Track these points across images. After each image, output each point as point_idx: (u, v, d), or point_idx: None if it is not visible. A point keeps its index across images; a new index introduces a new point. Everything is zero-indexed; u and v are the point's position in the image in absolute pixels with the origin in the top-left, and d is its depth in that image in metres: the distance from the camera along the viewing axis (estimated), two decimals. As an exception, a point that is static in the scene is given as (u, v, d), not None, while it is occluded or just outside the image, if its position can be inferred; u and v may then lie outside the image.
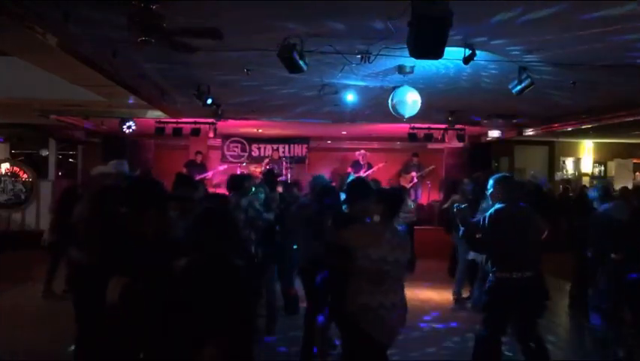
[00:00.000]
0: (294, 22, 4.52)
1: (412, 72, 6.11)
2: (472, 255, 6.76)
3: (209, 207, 3.03)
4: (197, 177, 12.01)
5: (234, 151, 14.11)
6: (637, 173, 14.96)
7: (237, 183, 5.97)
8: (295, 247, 5.93)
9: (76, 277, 4.22)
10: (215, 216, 2.72)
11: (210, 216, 2.71)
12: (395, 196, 3.89)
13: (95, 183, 4.71)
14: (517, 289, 4.24)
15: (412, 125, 10.98)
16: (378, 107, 8.14)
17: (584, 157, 15.31)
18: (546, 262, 4.44)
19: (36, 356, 5.12)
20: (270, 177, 7.09)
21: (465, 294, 7.50)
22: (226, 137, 13.78)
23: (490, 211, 4.46)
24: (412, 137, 11.30)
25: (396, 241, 3.64)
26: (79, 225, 4.20)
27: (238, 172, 10.93)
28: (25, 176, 11.86)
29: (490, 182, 4.61)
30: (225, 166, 13.06)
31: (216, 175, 12.96)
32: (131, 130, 10.38)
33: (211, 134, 11.27)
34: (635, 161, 15.08)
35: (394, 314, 3.58)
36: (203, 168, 12.76)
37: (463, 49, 4.89)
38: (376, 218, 3.72)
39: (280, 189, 7.65)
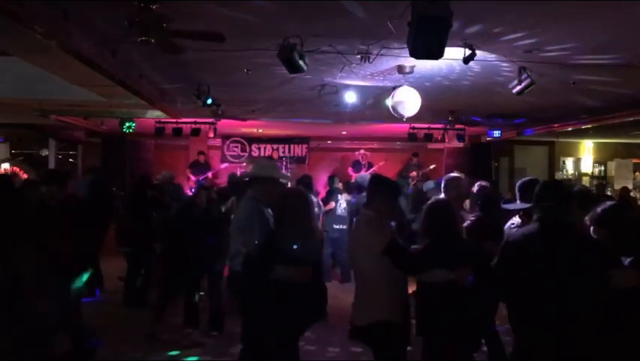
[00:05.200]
0: (295, 22, 4.51)
1: (412, 72, 6.11)
2: None
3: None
4: (201, 177, 12.18)
5: (234, 151, 14.09)
6: (637, 173, 14.94)
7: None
8: None
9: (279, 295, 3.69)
10: None
11: None
12: None
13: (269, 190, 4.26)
14: None
15: (412, 125, 10.98)
16: (378, 107, 8.14)
17: (584, 157, 15.28)
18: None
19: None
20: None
21: None
22: (226, 137, 13.76)
23: None
24: (411, 137, 11.30)
25: None
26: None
27: (238, 172, 10.97)
28: (25, 177, 11.83)
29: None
30: (226, 165, 13.19)
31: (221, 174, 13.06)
32: (131, 130, 10.37)
33: (211, 134, 11.28)
34: (635, 161, 15.04)
35: None
36: (207, 167, 12.91)
37: (462, 49, 4.89)
38: None
39: None
